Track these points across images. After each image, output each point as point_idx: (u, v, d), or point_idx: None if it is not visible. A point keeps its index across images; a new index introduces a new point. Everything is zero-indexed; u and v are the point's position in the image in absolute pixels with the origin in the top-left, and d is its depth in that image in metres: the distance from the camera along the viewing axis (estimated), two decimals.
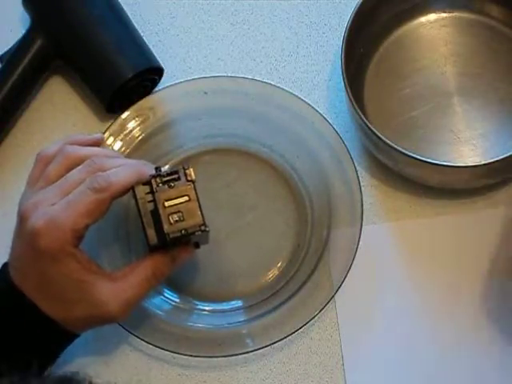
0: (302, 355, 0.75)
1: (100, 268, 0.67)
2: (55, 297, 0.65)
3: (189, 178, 0.65)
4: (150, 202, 0.65)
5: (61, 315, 0.65)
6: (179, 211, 0.65)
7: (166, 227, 0.64)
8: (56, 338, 0.67)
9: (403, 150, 0.73)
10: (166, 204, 0.65)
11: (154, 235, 0.66)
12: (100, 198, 0.63)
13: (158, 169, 0.66)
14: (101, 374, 0.75)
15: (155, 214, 0.65)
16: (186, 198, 0.65)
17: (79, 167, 0.66)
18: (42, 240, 0.63)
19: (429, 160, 0.73)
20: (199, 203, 0.65)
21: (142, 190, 0.65)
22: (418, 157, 0.73)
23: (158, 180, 0.65)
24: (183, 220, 0.65)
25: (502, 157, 0.72)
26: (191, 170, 0.66)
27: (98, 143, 0.72)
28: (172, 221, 0.65)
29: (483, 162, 0.74)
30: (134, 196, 0.66)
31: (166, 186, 0.65)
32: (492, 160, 0.72)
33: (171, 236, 0.65)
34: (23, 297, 0.65)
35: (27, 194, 0.67)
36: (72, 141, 0.70)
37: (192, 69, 0.85)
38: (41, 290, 0.65)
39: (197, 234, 0.65)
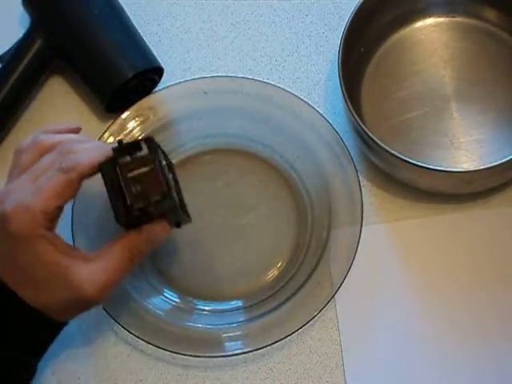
0: (302, 355, 0.75)
1: (75, 250, 0.66)
2: (31, 281, 0.64)
3: (151, 148, 0.64)
4: (116, 177, 0.64)
5: (38, 301, 0.64)
6: (142, 181, 0.63)
7: (128, 198, 0.63)
8: (40, 326, 0.66)
9: (393, 152, 0.73)
10: (129, 175, 0.63)
11: (123, 210, 0.64)
12: (68, 178, 0.63)
13: (120, 142, 0.65)
14: (101, 374, 0.75)
15: (120, 188, 0.64)
16: (148, 168, 0.63)
17: (49, 153, 0.65)
18: (13, 224, 0.62)
19: (418, 163, 0.72)
20: (164, 172, 0.64)
21: (110, 169, 0.64)
22: (407, 159, 0.72)
23: (120, 153, 0.63)
24: (146, 190, 0.63)
25: (494, 164, 0.72)
26: (152, 139, 0.64)
27: (74, 131, 0.71)
28: (134, 191, 0.63)
29: (472, 169, 0.74)
30: (102, 174, 0.64)
31: (128, 158, 0.63)
32: (484, 167, 0.72)
33: (135, 206, 0.63)
34: (3, 285, 0.64)
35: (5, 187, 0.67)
36: (46, 129, 0.69)
37: (192, 69, 0.85)
38: (17, 275, 0.64)
39: (164, 204, 0.64)
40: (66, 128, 0.70)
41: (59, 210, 0.64)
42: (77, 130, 0.71)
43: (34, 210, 0.62)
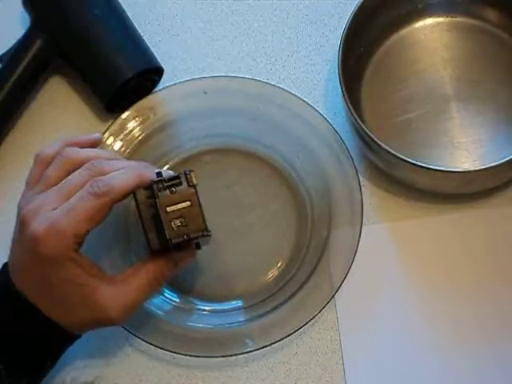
0: (302, 355, 0.75)
1: (101, 271, 0.66)
2: (57, 300, 0.65)
3: (190, 183, 0.65)
4: (151, 206, 0.65)
5: (62, 318, 0.65)
6: (181, 216, 0.64)
7: (168, 233, 0.64)
8: (57, 338, 0.67)
9: (393, 152, 0.73)
10: (168, 209, 0.64)
11: (156, 240, 0.65)
12: (101, 203, 0.63)
13: (159, 174, 0.66)
14: (101, 374, 0.75)
15: (157, 219, 0.65)
16: (188, 203, 0.65)
17: (79, 170, 0.65)
18: (43, 246, 0.63)
19: (418, 163, 0.72)
20: (201, 208, 0.65)
21: (143, 195, 0.65)
22: (407, 159, 0.72)
23: (159, 185, 0.64)
24: (185, 225, 0.64)
25: (494, 164, 0.71)
26: (193, 174, 0.65)
27: (97, 143, 0.71)
28: (174, 226, 0.64)
29: (472, 169, 0.74)
30: (136, 201, 0.65)
31: (168, 191, 0.65)
32: (484, 167, 0.72)
33: (174, 241, 0.64)
34: (24, 298, 0.65)
35: (26, 196, 0.67)
36: (71, 142, 0.69)
37: (192, 69, 0.85)
38: (42, 293, 0.65)
39: (200, 239, 0.65)
40: (90, 140, 0.70)
41: (88, 232, 0.64)
42: (99, 142, 0.72)
43: (66, 234, 0.63)
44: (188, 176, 0.65)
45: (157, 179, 0.65)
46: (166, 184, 0.65)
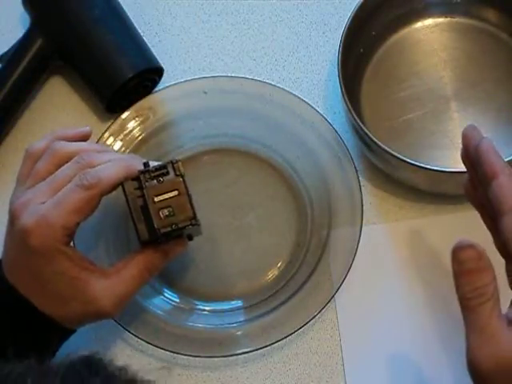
0: (302, 355, 0.75)
1: (93, 264, 0.66)
2: (49, 294, 0.64)
3: (177, 173, 0.65)
4: (139, 197, 0.65)
5: (55, 312, 0.65)
6: (169, 206, 0.64)
7: (156, 222, 0.64)
8: (52, 333, 0.66)
9: (393, 152, 0.73)
10: (156, 199, 0.64)
11: (145, 231, 0.65)
12: (89, 195, 0.63)
13: (146, 164, 0.65)
14: None
15: (145, 209, 0.64)
16: (176, 193, 0.64)
17: (68, 164, 0.65)
18: (33, 239, 0.62)
19: (418, 164, 0.72)
20: (189, 197, 0.65)
21: (131, 186, 0.65)
22: (407, 159, 0.72)
23: (146, 175, 0.64)
24: (173, 215, 0.64)
25: None
26: (180, 163, 0.65)
27: (86, 136, 0.71)
28: (162, 216, 0.64)
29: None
30: (124, 192, 0.65)
31: (155, 181, 0.64)
32: None
33: (162, 231, 0.64)
34: (17, 293, 0.64)
35: (17, 192, 0.67)
36: (60, 136, 0.69)
37: (192, 69, 0.85)
38: (34, 287, 0.64)
39: (188, 227, 0.65)
40: (79, 134, 0.70)
41: (77, 225, 0.64)
42: (89, 136, 0.71)
43: (55, 226, 0.62)
44: (175, 165, 0.65)
45: (144, 169, 0.65)
46: (153, 174, 0.64)
